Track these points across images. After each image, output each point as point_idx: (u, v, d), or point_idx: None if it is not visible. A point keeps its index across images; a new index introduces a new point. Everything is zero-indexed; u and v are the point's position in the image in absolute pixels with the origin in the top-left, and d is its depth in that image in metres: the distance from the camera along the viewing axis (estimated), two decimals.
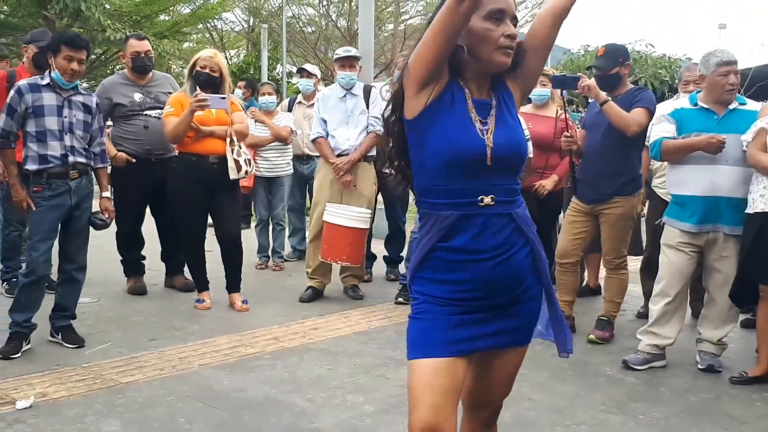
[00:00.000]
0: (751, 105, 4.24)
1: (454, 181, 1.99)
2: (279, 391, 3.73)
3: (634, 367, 4.25)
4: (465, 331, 2.01)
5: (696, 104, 4.21)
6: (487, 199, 1.98)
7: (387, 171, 2.23)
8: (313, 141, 5.73)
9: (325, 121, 5.59)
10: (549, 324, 2.20)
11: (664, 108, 4.41)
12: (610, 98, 4.53)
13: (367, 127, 5.55)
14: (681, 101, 4.42)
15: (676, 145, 4.15)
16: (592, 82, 4.61)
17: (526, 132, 5.12)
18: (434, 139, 1.98)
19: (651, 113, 4.50)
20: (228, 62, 22.85)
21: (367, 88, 5.72)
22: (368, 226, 5.58)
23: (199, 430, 3.25)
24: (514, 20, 2.02)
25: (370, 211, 5.53)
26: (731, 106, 4.15)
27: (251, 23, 26.38)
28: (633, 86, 4.80)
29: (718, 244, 4.15)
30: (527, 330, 2.12)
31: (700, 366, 4.25)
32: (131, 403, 3.53)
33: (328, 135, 5.57)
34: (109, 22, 15.43)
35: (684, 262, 4.22)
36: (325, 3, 24.28)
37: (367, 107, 5.57)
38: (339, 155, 5.49)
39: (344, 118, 5.54)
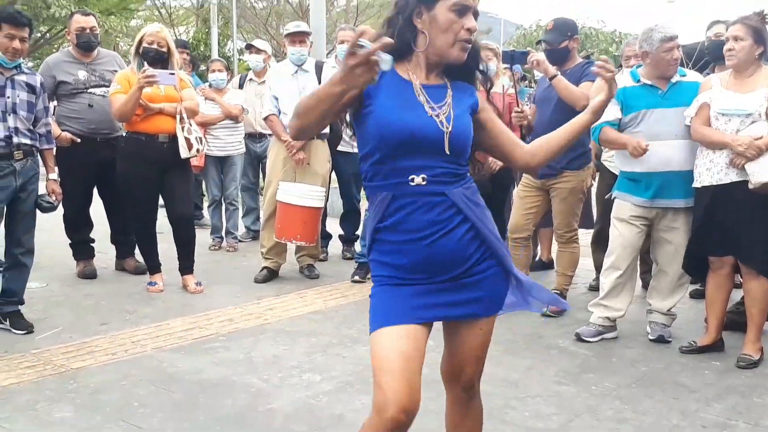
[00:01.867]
0: (692, 76, 4.30)
1: (387, 161, 2.03)
2: (234, 372, 3.71)
3: (586, 339, 4.32)
4: (421, 300, 2.06)
5: (639, 81, 4.25)
6: (418, 179, 2.02)
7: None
8: (265, 119, 5.66)
9: (277, 99, 5.53)
10: (518, 295, 2.24)
11: None
12: (559, 73, 4.56)
13: None
14: (623, 78, 4.44)
15: (611, 138, 4.24)
16: (542, 56, 4.63)
17: None
18: (369, 124, 2.03)
19: None
20: (177, 37, 22.40)
21: (318, 65, 5.67)
22: (322, 205, 5.55)
23: (153, 414, 3.21)
24: (476, 14, 2.08)
25: (324, 189, 5.50)
26: (673, 80, 4.20)
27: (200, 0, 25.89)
28: (582, 60, 4.84)
29: (667, 216, 4.23)
30: (487, 302, 2.14)
31: (650, 336, 4.34)
32: (83, 388, 3.47)
33: (280, 112, 5.51)
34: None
35: (634, 235, 4.29)
36: None
37: (319, 83, 5.52)
38: None
39: (296, 95, 5.48)
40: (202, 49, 20.48)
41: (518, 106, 4.83)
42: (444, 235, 2.04)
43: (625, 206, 4.31)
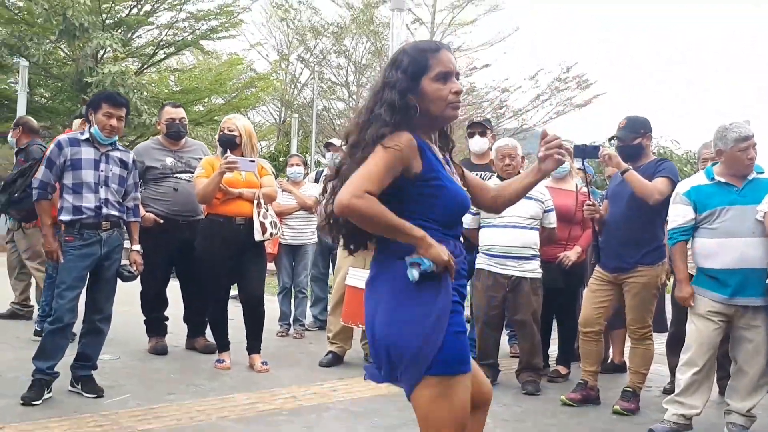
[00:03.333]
0: None
1: (451, 227, 2.31)
2: None
3: None
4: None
5: (713, 179, 4.24)
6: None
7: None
8: None
9: None
10: None
11: (680, 186, 4.42)
12: (630, 167, 4.58)
13: None
14: (697, 177, 4.45)
15: (676, 261, 4.33)
16: (613, 151, 4.68)
17: (551, 203, 5.18)
18: (441, 195, 2.24)
19: (673, 183, 4.53)
20: (260, 150, 23.36)
21: None
22: None
23: None
24: (458, 76, 2.31)
25: None
26: (750, 177, 4.18)
27: (283, 115, 27.17)
28: (655, 157, 4.86)
29: (747, 314, 4.11)
30: None
31: None
32: None
33: None
34: (145, 107, 15.94)
35: (711, 331, 4.17)
36: (354, 97, 24.98)
37: None
38: None
39: None
40: (281, 160, 21.27)
41: (590, 200, 4.86)
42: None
43: (702, 301, 4.21)
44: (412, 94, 2.23)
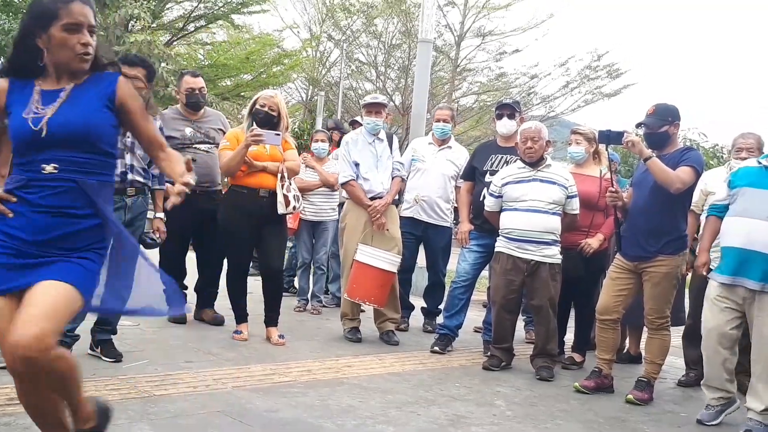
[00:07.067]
0: None
1: (24, 155, 2.47)
2: (310, 415, 3.72)
3: (707, 423, 4.26)
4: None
5: (759, 162, 4.28)
6: (49, 168, 2.43)
7: None
8: (344, 184, 5.80)
9: (357, 165, 5.71)
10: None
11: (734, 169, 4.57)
12: (654, 155, 4.55)
13: (392, 171, 5.73)
14: (752, 161, 4.47)
15: (703, 232, 4.65)
16: (636, 138, 4.66)
17: (575, 189, 5.15)
18: (10, 125, 2.50)
19: (697, 173, 4.52)
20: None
21: (389, 135, 5.91)
22: (396, 271, 5.61)
23: None
24: (91, 29, 2.47)
25: (400, 257, 5.61)
26: None
27: (309, 93, 27.16)
28: (683, 146, 4.82)
29: (754, 303, 4.10)
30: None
31: None
32: (163, 412, 3.55)
33: (358, 177, 5.69)
34: (172, 78, 15.98)
35: (717, 315, 4.22)
36: (381, 78, 24.94)
37: (391, 152, 5.79)
38: (371, 199, 5.61)
39: (374, 162, 5.68)
40: (305, 138, 21.31)
41: (613, 187, 4.82)
42: (70, 216, 2.47)
43: (712, 285, 4.31)
44: (40, 39, 2.43)
